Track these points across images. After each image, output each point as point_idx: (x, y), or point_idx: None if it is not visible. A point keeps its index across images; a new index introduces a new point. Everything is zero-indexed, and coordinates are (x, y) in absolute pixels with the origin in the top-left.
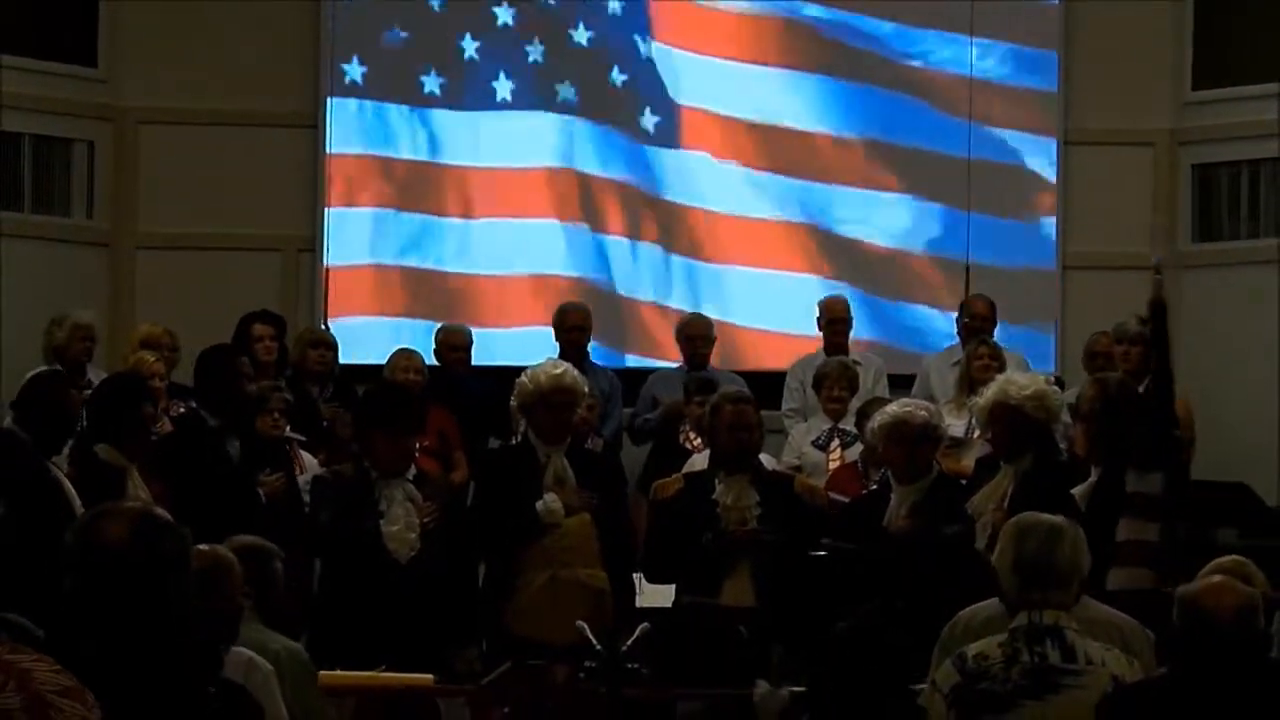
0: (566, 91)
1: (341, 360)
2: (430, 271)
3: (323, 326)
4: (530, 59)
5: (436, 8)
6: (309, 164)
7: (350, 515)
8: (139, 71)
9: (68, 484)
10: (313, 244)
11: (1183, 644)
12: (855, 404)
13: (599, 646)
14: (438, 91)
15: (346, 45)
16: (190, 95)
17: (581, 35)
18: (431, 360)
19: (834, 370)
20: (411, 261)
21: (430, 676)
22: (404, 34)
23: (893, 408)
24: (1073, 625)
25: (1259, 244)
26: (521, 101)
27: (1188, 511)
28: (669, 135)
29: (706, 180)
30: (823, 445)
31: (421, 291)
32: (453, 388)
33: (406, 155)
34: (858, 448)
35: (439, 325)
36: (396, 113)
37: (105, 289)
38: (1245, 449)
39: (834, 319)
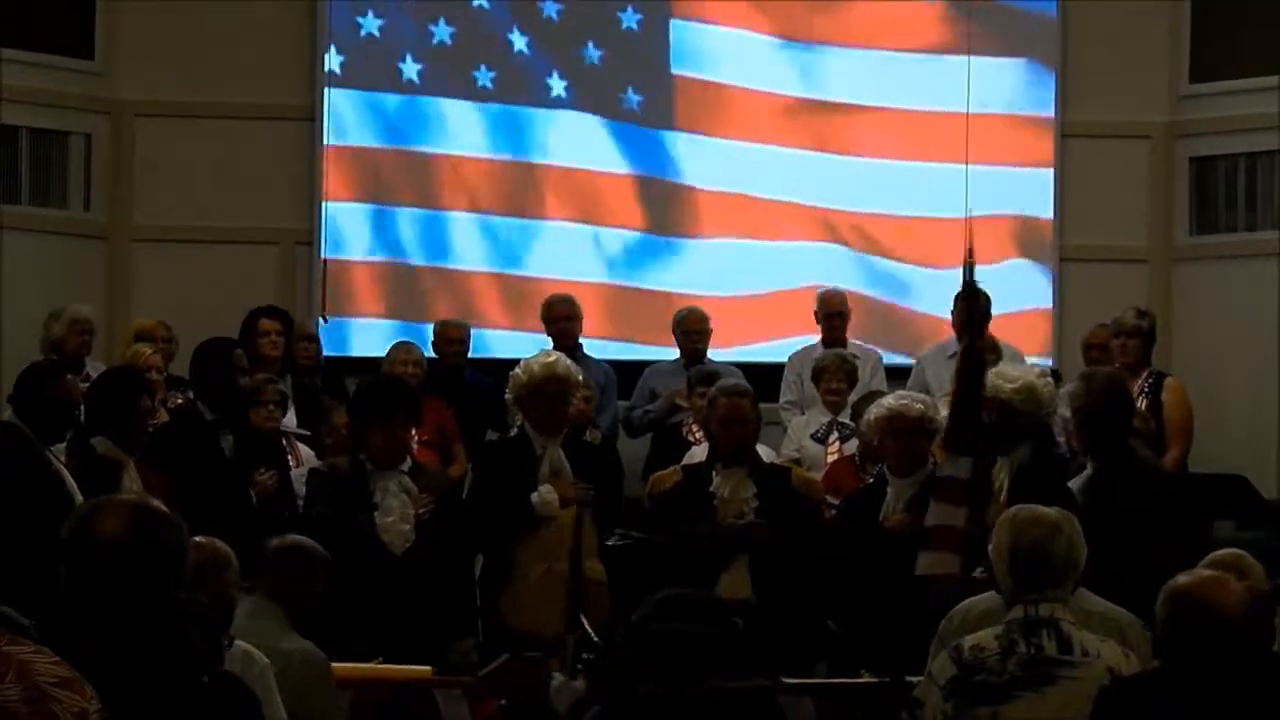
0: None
1: (347, 354)
2: (429, 268)
3: (321, 319)
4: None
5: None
6: (306, 157)
7: (345, 508)
8: (136, 64)
9: (69, 477)
10: (310, 237)
11: (1178, 638)
12: (854, 397)
13: (596, 639)
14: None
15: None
16: (187, 88)
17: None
18: (429, 353)
19: (832, 363)
20: (411, 257)
21: (428, 668)
22: (449, 27)
23: (889, 400)
24: (1068, 617)
25: (1257, 236)
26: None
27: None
28: (665, 117)
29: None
30: (821, 438)
31: (420, 286)
32: (450, 380)
33: (404, 147)
34: (856, 441)
35: (437, 320)
36: (390, 103)
37: (102, 282)
38: (1243, 442)
39: (831, 313)
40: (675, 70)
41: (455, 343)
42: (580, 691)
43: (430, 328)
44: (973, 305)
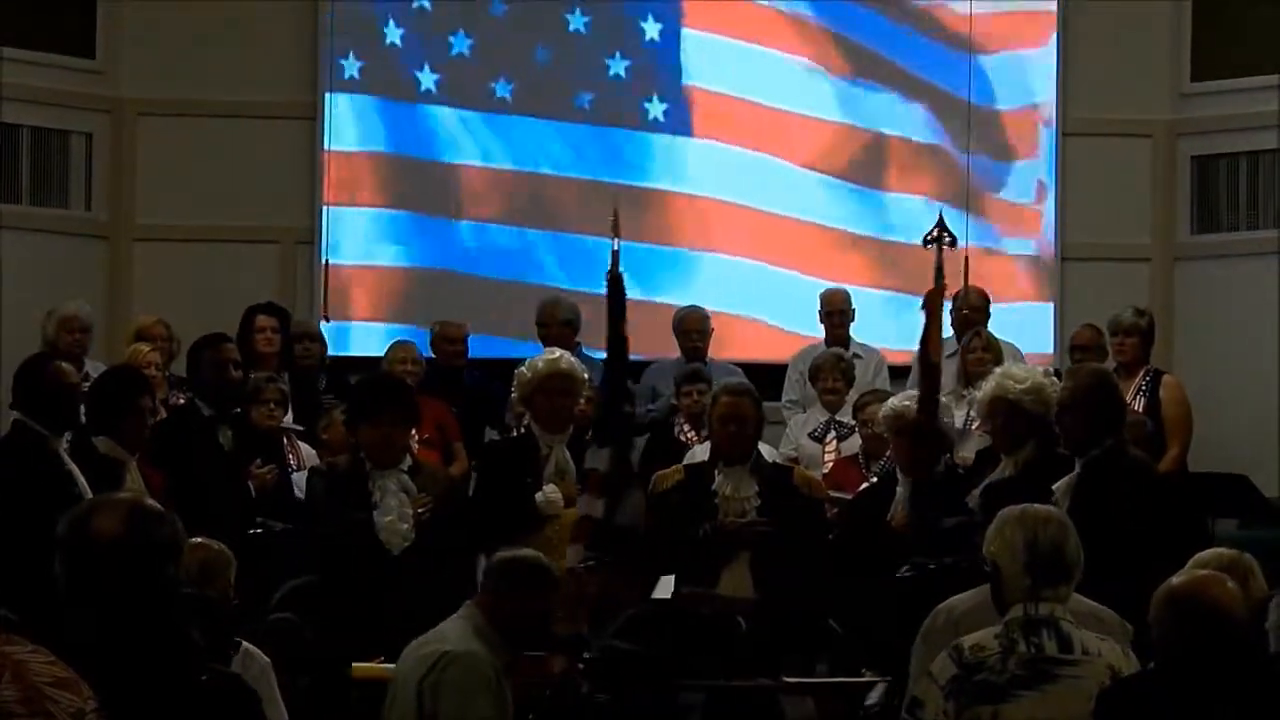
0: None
1: (347, 353)
2: (429, 271)
3: (322, 318)
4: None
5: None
6: (307, 156)
7: (344, 507)
8: (137, 63)
9: (80, 476)
10: (311, 237)
11: (1177, 639)
12: (853, 396)
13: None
14: (434, 89)
15: (344, 41)
16: (188, 87)
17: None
18: (428, 353)
19: (828, 363)
20: (412, 260)
21: None
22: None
23: (894, 400)
24: (1067, 616)
25: (1258, 235)
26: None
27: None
28: (683, 124)
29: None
30: (819, 437)
31: (420, 288)
32: (450, 381)
33: (405, 152)
34: (854, 440)
35: (435, 320)
36: (394, 109)
37: (103, 281)
38: (1244, 440)
39: (833, 311)
40: (689, 82)
41: (455, 342)
42: None
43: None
44: (619, 297)
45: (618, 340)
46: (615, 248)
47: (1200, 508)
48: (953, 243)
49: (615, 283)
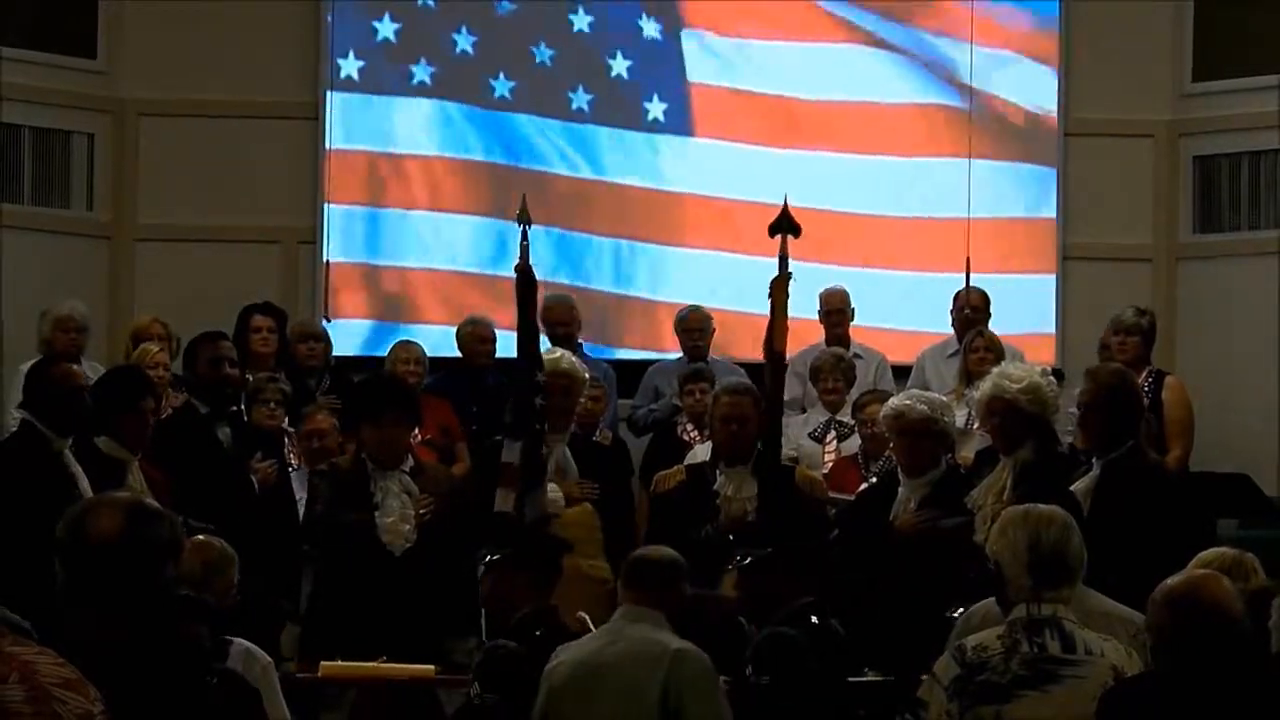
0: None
1: (348, 353)
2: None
3: (324, 318)
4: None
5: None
6: (309, 156)
7: (345, 507)
8: (138, 63)
9: (83, 477)
10: (312, 236)
11: (1177, 639)
12: (854, 395)
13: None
14: (428, 82)
15: (343, 40)
16: (190, 87)
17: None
18: (453, 352)
19: (828, 362)
20: (411, 260)
21: (432, 668)
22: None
23: (895, 400)
24: (1070, 616)
25: (1260, 235)
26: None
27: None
28: (681, 124)
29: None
30: (819, 437)
31: (423, 288)
32: (475, 380)
33: (407, 151)
34: (854, 440)
35: (466, 318)
36: (396, 105)
37: (105, 281)
38: (1246, 440)
39: (832, 310)
40: (692, 79)
41: (487, 342)
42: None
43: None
44: (529, 290)
45: (527, 332)
46: (524, 240)
47: (1207, 509)
48: (796, 232)
49: (524, 274)
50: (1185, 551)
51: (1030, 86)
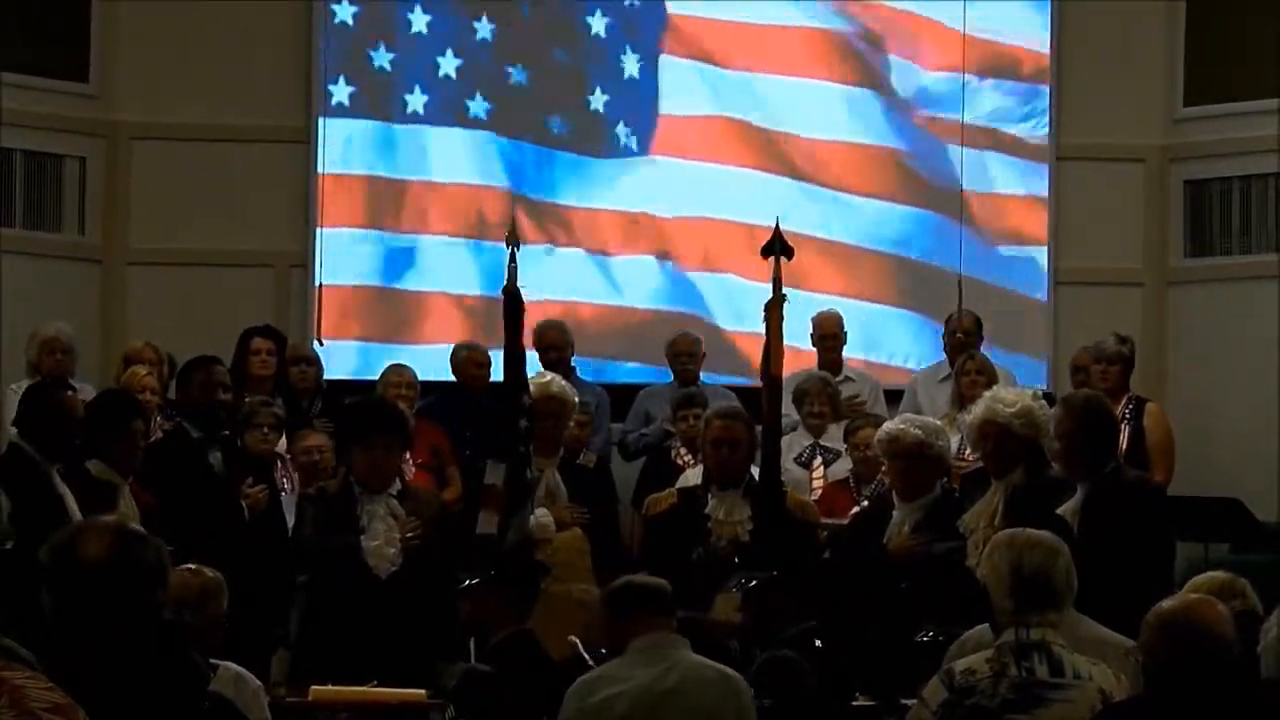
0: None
1: (339, 376)
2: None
3: (316, 342)
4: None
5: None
6: (301, 180)
7: (332, 531)
8: (131, 87)
9: (71, 499)
10: (305, 260)
11: (1167, 663)
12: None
13: (591, 662)
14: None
15: (335, 65)
16: (182, 111)
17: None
18: (446, 375)
19: (814, 387)
20: (403, 283)
21: (423, 691)
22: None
23: (889, 424)
24: (1059, 640)
25: (1251, 259)
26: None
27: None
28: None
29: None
30: (805, 462)
31: (415, 310)
32: (469, 404)
33: (398, 175)
34: (842, 464)
35: (459, 343)
36: (385, 131)
37: (97, 305)
38: (1239, 465)
39: (825, 334)
40: (664, 110)
41: (483, 366)
42: None
43: (437, 350)
44: (516, 310)
45: (515, 354)
46: (512, 261)
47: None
48: (789, 254)
49: (512, 296)
50: (1172, 564)
51: (1020, 111)
